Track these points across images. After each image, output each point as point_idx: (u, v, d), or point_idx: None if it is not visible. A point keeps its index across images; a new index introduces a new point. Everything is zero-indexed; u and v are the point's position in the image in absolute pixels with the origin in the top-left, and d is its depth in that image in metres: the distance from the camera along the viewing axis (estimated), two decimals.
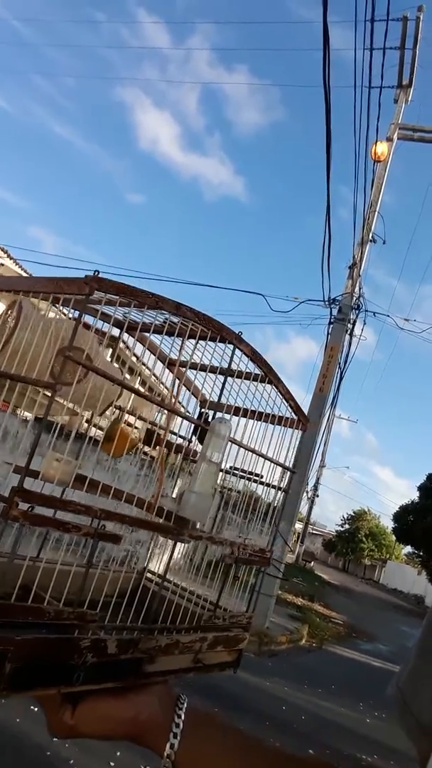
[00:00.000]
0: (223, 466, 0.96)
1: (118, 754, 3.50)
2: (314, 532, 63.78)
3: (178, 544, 0.91)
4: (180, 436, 1.11)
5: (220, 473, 0.97)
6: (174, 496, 0.94)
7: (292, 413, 1.07)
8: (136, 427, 1.09)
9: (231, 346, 0.95)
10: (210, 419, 1.07)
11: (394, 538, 42.60)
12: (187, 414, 1.03)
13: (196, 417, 1.10)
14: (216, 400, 1.09)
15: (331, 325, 11.72)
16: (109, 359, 1.21)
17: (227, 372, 1.02)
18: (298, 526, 35.56)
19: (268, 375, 1.00)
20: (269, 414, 1.07)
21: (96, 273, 0.74)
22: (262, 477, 1.09)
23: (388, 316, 13.40)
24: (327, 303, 11.70)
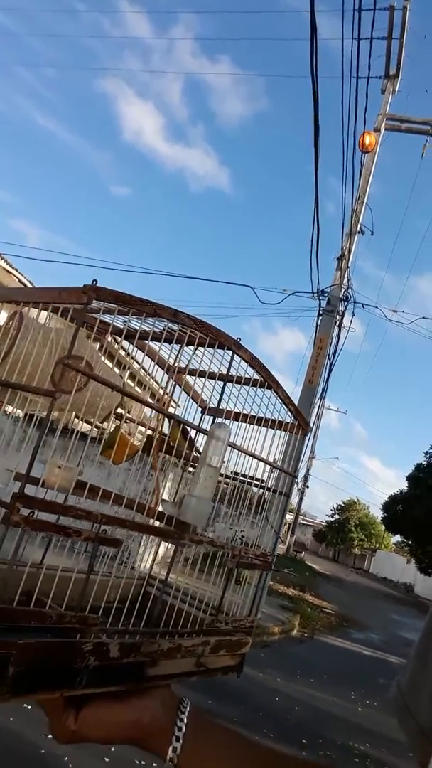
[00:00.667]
0: (223, 471, 0.96)
1: (113, 749, 3.51)
2: (305, 522, 64.13)
3: None
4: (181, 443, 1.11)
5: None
6: (166, 497, 0.94)
7: (292, 417, 1.07)
8: (137, 435, 1.09)
9: (230, 352, 0.95)
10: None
11: (383, 527, 42.87)
12: (180, 416, 1.03)
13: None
14: (216, 405, 1.09)
15: (320, 317, 11.74)
16: (106, 360, 1.21)
17: (226, 378, 1.02)
18: (289, 517, 35.72)
19: (267, 380, 1.00)
20: (269, 419, 1.07)
21: (94, 282, 0.74)
22: (263, 481, 1.09)
23: (377, 307, 13.47)
24: (316, 295, 11.72)
